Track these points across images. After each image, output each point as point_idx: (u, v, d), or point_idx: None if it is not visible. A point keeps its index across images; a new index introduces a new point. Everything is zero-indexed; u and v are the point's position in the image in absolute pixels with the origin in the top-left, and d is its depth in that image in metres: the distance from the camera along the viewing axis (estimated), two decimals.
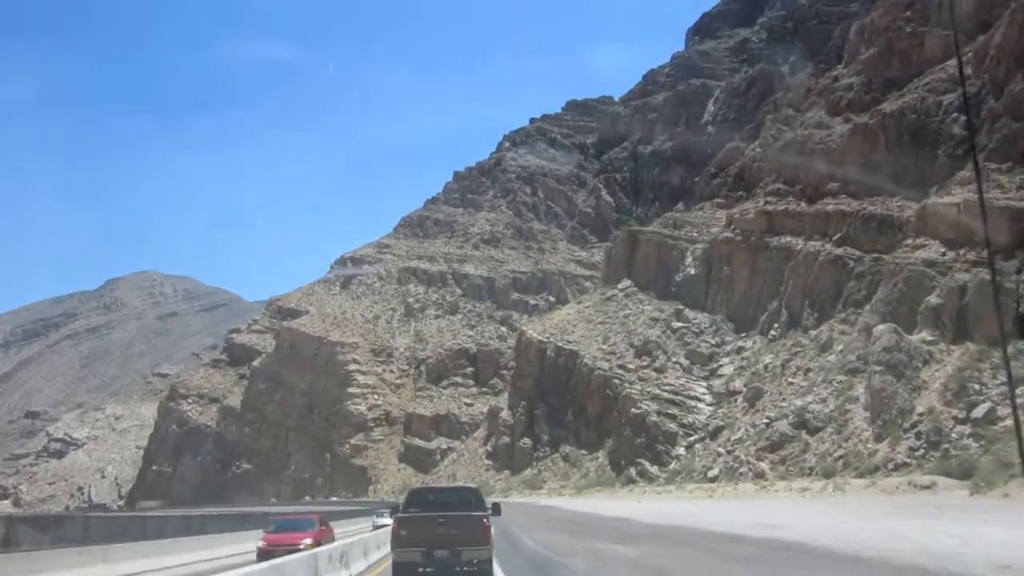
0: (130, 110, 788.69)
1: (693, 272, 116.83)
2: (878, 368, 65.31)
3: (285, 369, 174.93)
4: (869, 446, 61.99)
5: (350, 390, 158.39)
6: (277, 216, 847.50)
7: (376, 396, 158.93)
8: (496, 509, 17.83)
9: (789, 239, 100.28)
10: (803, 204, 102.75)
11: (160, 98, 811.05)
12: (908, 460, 57.06)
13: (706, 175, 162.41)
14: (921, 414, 60.73)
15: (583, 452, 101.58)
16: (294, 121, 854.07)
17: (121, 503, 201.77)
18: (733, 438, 79.27)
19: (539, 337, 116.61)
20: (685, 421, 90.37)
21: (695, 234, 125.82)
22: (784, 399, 79.00)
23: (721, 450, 79.25)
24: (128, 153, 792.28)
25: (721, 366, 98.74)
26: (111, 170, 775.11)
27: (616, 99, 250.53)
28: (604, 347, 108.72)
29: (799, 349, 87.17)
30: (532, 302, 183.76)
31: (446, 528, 16.17)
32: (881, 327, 68.54)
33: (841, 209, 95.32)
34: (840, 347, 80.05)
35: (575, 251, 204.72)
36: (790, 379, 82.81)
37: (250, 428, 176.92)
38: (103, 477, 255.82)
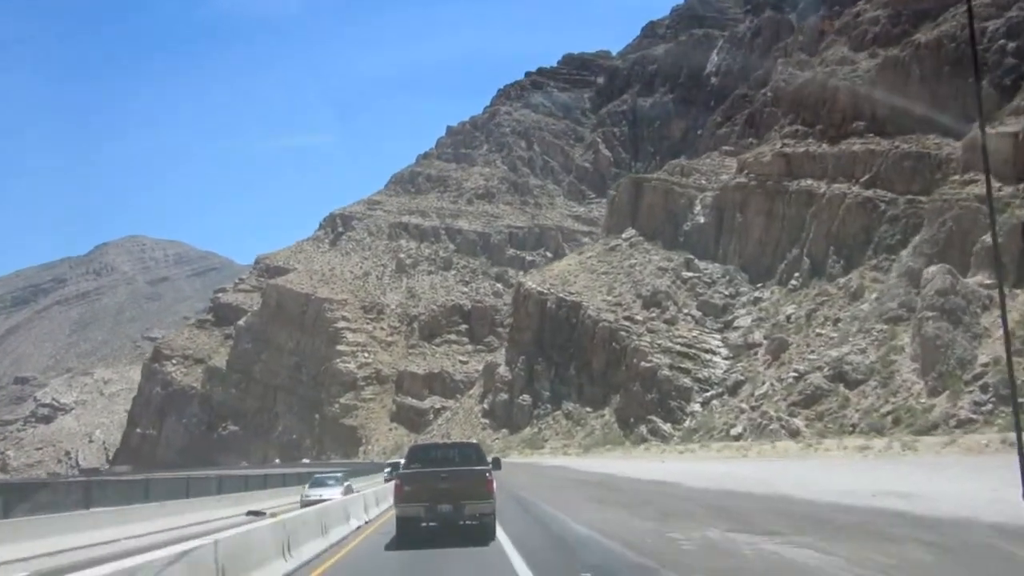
0: (113, 69, 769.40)
1: (703, 220, 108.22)
2: (931, 314, 56.98)
3: (271, 328, 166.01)
4: (922, 401, 53.91)
5: (339, 348, 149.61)
6: (267, 177, 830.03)
7: (366, 354, 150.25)
8: (496, 463, 17.61)
9: (810, 182, 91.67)
10: (825, 145, 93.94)
11: (143, 54, 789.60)
12: (973, 416, 48.97)
13: (711, 124, 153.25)
14: (985, 365, 52.60)
15: (587, 409, 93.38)
16: (282, 74, 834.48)
17: (108, 467, 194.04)
18: (757, 393, 71.19)
19: (539, 288, 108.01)
20: (700, 375, 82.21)
21: (704, 181, 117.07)
22: (813, 351, 70.94)
23: (744, 406, 71.18)
24: (112, 116, 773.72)
25: (737, 318, 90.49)
26: (96, 133, 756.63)
27: (614, 53, 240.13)
28: (609, 298, 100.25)
29: (826, 298, 78.95)
30: (528, 258, 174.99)
31: (448, 483, 15.99)
32: (933, 269, 60.09)
33: (869, 148, 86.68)
34: (875, 295, 71.87)
35: (572, 206, 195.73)
36: (818, 330, 74.69)
37: (236, 389, 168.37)
38: (91, 442, 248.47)
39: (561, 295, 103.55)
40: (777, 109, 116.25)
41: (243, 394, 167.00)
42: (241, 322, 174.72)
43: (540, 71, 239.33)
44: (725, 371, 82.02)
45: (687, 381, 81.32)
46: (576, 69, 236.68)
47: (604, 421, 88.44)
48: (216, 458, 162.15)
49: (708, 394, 79.56)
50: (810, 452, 46.22)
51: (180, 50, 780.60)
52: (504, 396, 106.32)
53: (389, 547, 16.02)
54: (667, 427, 78.59)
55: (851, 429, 55.67)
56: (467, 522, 16.12)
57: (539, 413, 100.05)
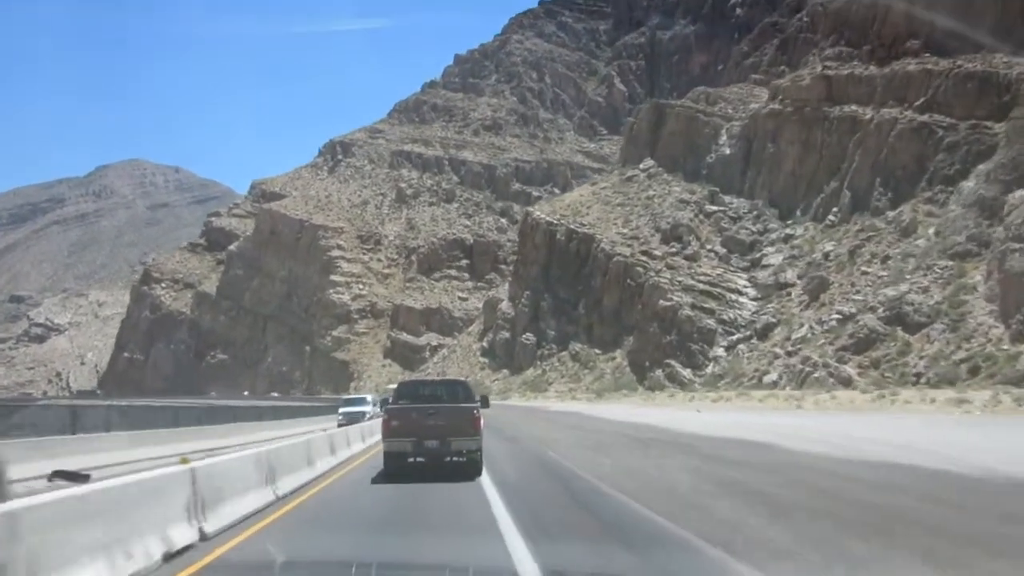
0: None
1: (729, 152, 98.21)
2: (1016, 246, 47.60)
3: (264, 254, 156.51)
4: (1004, 347, 44.86)
5: (333, 278, 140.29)
6: (269, 107, 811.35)
7: (361, 286, 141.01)
8: (484, 401, 17.13)
9: (855, 108, 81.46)
10: (873, 67, 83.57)
11: None
12: None
13: (737, 55, 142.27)
14: None
15: (596, 351, 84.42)
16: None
17: (100, 391, 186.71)
18: (794, 336, 62.06)
19: (548, 218, 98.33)
20: (725, 317, 73.05)
21: (730, 110, 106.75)
22: (858, 291, 61.71)
23: (778, 351, 62.09)
24: (122, 37, 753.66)
25: (765, 255, 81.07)
26: (104, 55, 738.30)
27: None
28: (624, 231, 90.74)
29: (872, 234, 69.40)
30: (535, 193, 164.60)
31: (436, 419, 15.77)
32: (1020, 194, 50.53)
33: (926, 69, 76.36)
34: (933, 228, 62.44)
35: (583, 142, 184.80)
36: (863, 268, 65.34)
37: (226, 316, 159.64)
38: (83, 364, 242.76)
39: (572, 226, 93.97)
40: (814, 35, 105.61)
41: (232, 322, 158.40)
42: (232, 247, 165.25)
43: None
44: (753, 313, 72.89)
45: (710, 322, 72.22)
46: None
47: (615, 364, 79.55)
48: (204, 387, 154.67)
49: (734, 337, 70.51)
50: (885, 404, 37.11)
51: None
52: (506, 334, 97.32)
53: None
54: (687, 372, 69.74)
55: (915, 379, 46.73)
56: (454, 458, 15.78)
57: (543, 353, 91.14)
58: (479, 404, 16.34)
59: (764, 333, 68.07)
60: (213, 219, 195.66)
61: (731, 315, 73.03)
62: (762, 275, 77.66)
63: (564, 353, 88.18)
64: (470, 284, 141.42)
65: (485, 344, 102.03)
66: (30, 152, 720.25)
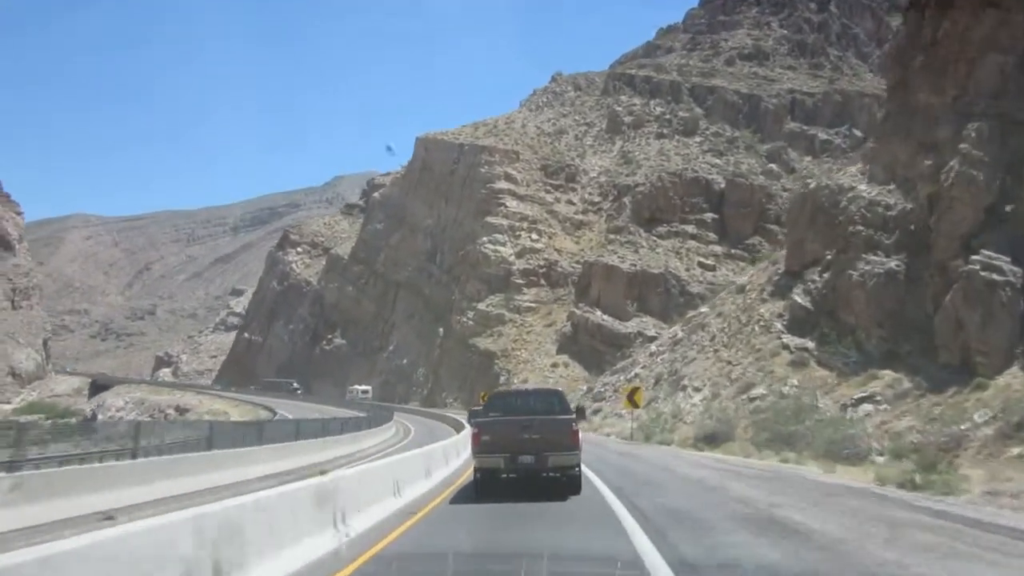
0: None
1: None
2: None
3: (411, 198, 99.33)
4: None
5: (490, 220, 79.29)
6: (490, 99, 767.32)
7: (535, 235, 79.06)
8: (581, 413, 15.03)
9: None
10: None
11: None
12: None
13: None
14: None
15: None
16: None
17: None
18: None
19: None
20: None
21: None
22: None
23: None
24: (353, 56, 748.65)
25: None
26: (349, 83, 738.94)
27: None
28: None
29: None
30: (822, 136, 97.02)
31: (530, 432, 13.61)
32: None
33: None
34: None
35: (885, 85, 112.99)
36: None
37: (354, 286, 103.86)
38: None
39: None
40: None
41: (359, 294, 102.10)
42: (376, 195, 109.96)
43: None
44: None
45: None
46: None
47: None
48: (313, 382, 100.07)
49: None
50: None
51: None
52: (867, 268, 30.77)
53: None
54: None
55: None
56: (551, 474, 13.63)
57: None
58: (575, 416, 14.03)
59: None
60: (379, 176, 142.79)
61: None
62: None
63: None
64: (718, 249, 75.49)
65: (798, 300, 35.30)
66: (286, 163, 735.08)
